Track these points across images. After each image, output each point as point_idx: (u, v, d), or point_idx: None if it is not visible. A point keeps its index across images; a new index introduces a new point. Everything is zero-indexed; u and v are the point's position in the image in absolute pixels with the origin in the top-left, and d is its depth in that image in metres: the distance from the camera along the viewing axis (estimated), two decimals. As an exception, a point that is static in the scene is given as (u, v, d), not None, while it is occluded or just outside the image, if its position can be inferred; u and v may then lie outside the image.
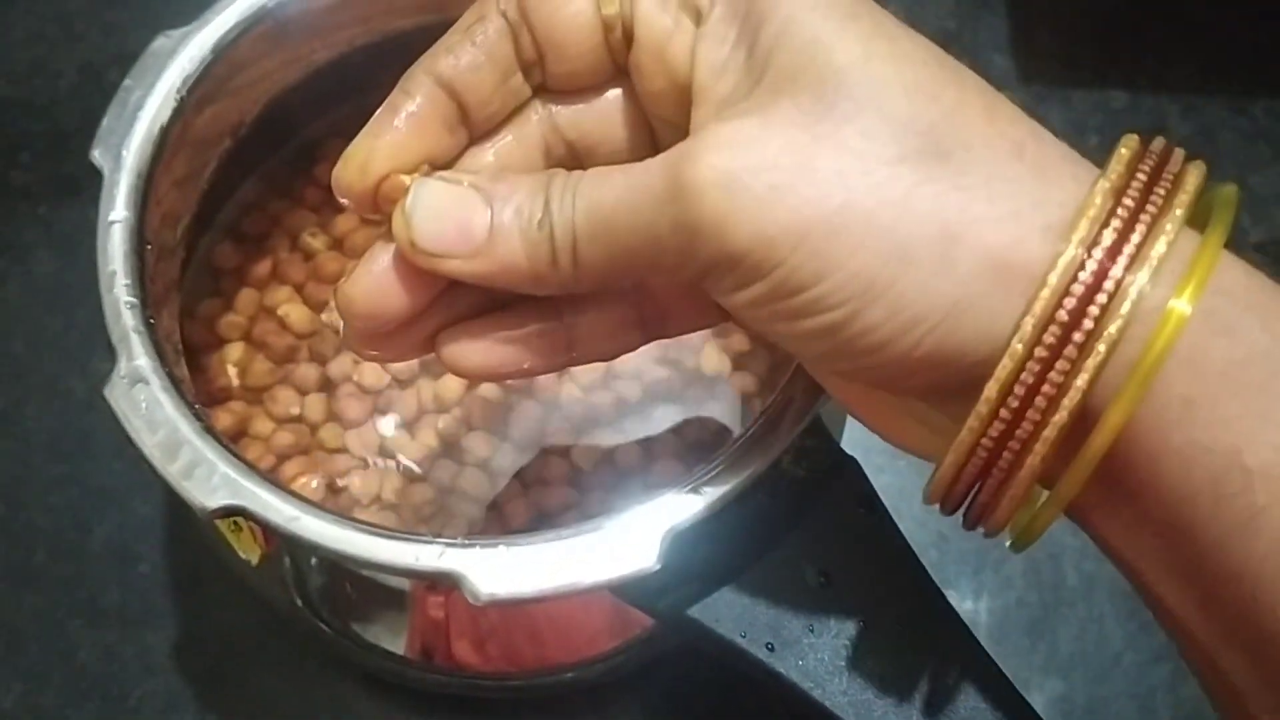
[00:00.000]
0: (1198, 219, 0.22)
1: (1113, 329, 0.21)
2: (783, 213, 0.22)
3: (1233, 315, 0.21)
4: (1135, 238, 0.21)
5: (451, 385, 0.39)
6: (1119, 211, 0.22)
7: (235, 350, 0.39)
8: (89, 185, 0.33)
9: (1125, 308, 0.21)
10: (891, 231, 0.21)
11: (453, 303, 0.27)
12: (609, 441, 0.38)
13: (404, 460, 0.38)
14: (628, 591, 0.29)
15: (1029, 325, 0.21)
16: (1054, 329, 0.21)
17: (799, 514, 0.30)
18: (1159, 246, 0.21)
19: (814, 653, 0.29)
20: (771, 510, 0.30)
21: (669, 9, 0.25)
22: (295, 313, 0.40)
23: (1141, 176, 0.22)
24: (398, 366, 0.39)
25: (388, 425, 0.39)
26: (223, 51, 0.35)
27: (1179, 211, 0.22)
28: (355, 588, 0.35)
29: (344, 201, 0.26)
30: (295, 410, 0.39)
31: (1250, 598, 0.21)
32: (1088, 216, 0.21)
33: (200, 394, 0.35)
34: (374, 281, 0.26)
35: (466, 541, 0.28)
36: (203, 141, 0.36)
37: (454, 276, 0.25)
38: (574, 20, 0.26)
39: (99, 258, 0.32)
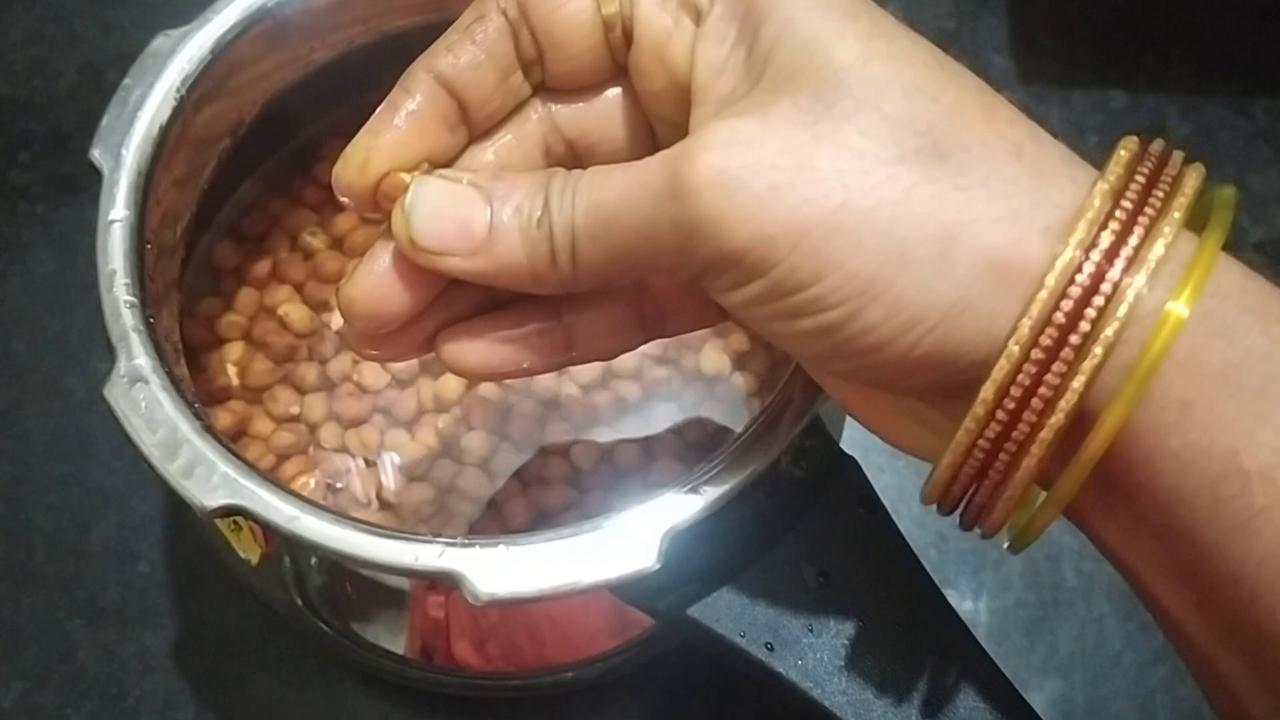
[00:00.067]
0: (1197, 221, 0.22)
1: (1109, 331, 0.21)
2: (781, 211, 0.22)
3: (1230, 318, 0.21)
4: (1133, 240, 0.21)
5: (451, 385, 0.39)
6: (1117, 214, 0.22)
7: (235, 350, 0.39)
8: (88, 185, 0.33)
9: (1122, 310, 0.21)
10: (889, 231, 0.21)
11: (453, 302, 0.27)
12: (608, 441, 0.38)
13: (403, 460, 0.38)
14: (627, 591, 0.29)
15: (1025, 327, 0.21)
16: (1051, 331, 0.21)
17: (798, 514, 0.30)
18: (1157, 249, 0.21)
19: (813, 652, 0.29)
20: (771, 510, 0.30)
21: (668, 8, 0.25)
22: (295, 312, 0.40)
23: (1140, 179, 0.22)
24: (397, 366, 0.39)
25: (387, 425, 0.39)
26: (222, 51, 0.35)
27: (1177, 214, 0.22)
28: (355, 587, 0.35)
29: (344, 200, 0.26)
30: (295, 410, 0.39)
31: (1248, 600, 0.21)
32: (1086, 218, 0.21)
33: (200, 393, 0.35)
34: (375, 281, 0.26)
35: (466, 541, 0.28)
36: (202, 141, 0.36)
37: (453, 274, 0.25)
38: (573, 19, 0.26)
39: (98, 257, 0.32)
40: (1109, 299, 0.21)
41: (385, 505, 0.38)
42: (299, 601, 0.35)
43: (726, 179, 0.22)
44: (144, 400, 0.29)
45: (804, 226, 0.22)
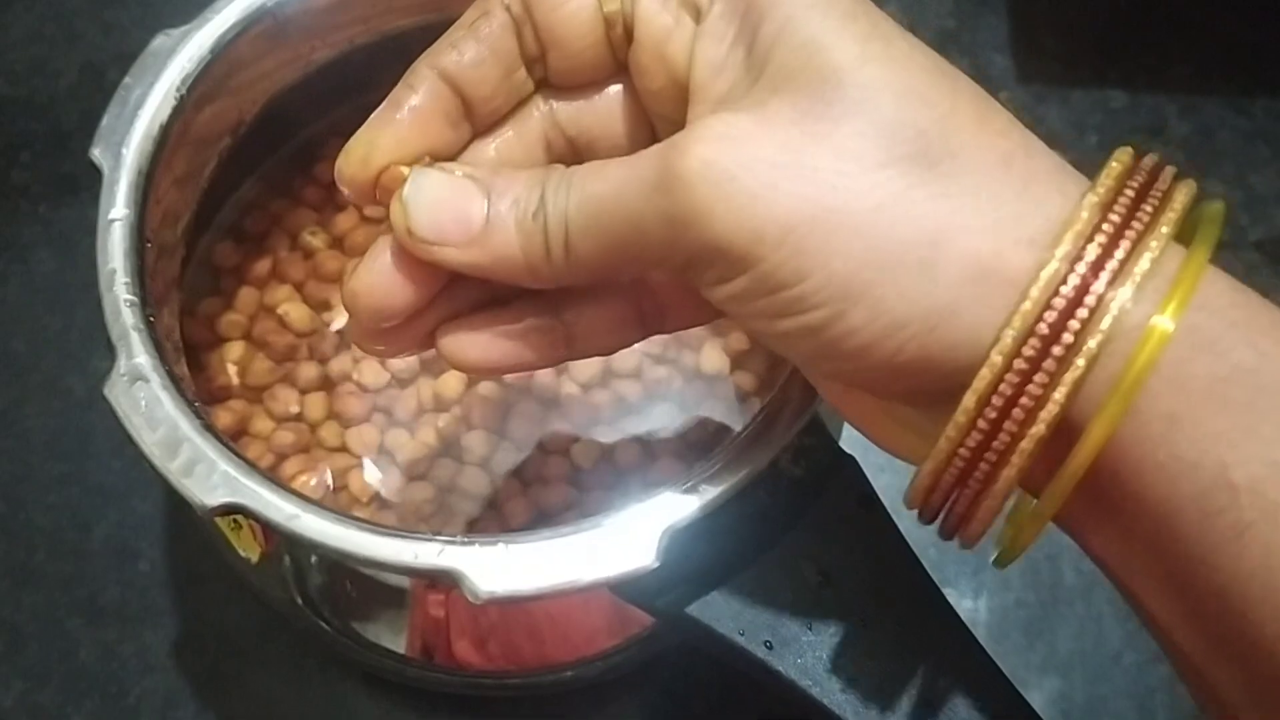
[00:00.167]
0: (1187, 236, 0.22)
1: (1092, 344, 0.21)
2: (769, 207, 0.22)
3: (1217, 331, 0.21)
4: (1119, 253, 0.21)
5: (451, 384, 0.39)
6: (1104, 226, 0.21)
7: (235, 349, 0.39)
8: (89, 184, 0.33)
9: (1106, 323, 0.21)
10: (873, 235, 0.21)
11: (454, 298, 0.27)
12: (608, 440, 0.38)
13: (403, 459, 0.38)
14: (627, 590, 0.30)
15: (1008, 337, 0.21)
16: (1034, 342, 0.21)
17: (798, 513, 0.30)
18: (1143, 263, 0.21)
19: (812, 651, 0.29)
20: (770, 509, 0.30)
21: (669, 7, 0.25)
22: (295, 311, 0.40)
23: (1130, 192, 0.22)
24: (397, 365, 0.39)
25: (387, 424, 0.39)
26: (222, 50, 0.35)
27: (1165, 229, 0.22)
28: (355, 586, 0.35)
29: (345, 192, 0.26)
30: (295, 409, 0.39)
31: (1238, 613, 0.21)
32: (1072, 230, 0.21)
33: (200, 392, 0.35)
34: (377, 276, 0.26)
35: (466, 539, 0.28)
36: (203, 140, 0.36)
37: (450, 266, 0.25)
38: (575, 16, 0.26)
39: (99, 256, 0.32)
40: (1093, 311, 0.21)
41: (385, 504, 0.38)
42: (299, 600, 0.35)
43: (717, 172, 0.22)
44: (144, 399, 0.30)
45: (790, 224, 0.22)
